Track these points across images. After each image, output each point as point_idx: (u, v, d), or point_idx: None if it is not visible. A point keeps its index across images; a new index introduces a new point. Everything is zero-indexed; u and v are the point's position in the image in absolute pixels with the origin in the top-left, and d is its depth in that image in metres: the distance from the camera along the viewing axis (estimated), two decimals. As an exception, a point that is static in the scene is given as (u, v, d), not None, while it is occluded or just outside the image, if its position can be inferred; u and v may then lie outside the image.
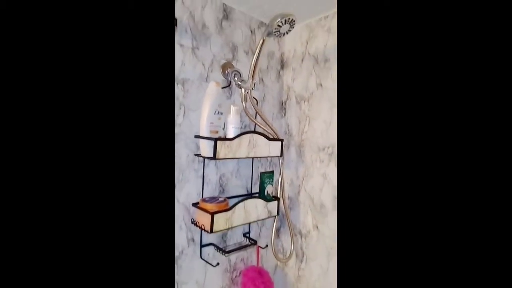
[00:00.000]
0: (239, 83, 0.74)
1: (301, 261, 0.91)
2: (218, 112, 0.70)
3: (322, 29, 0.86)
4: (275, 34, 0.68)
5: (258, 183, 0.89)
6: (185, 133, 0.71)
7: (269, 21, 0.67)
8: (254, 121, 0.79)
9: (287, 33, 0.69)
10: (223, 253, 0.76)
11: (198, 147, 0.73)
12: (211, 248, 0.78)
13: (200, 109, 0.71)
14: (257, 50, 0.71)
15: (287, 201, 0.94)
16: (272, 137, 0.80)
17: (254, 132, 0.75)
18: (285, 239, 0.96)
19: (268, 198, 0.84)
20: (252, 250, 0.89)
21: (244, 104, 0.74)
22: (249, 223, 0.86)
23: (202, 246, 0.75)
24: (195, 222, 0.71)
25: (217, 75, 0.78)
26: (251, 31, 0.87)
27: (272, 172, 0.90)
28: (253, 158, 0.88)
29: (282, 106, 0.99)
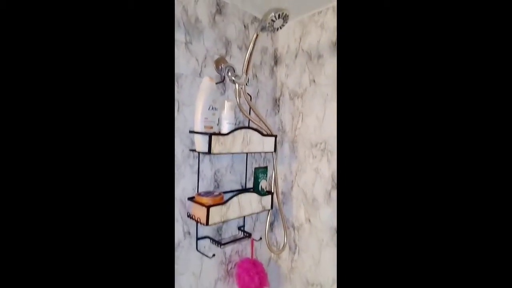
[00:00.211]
0: (233, 78, 0.74)
1: (294, 253, 0.94)
2: (212, 108, 0.71)
3: (315, 24, 0.86)
4: (268, 29, 0.69)
5: (252, 178, 0.91)
6: (179, 129, 0.71)
7: (263, 15, 0.67)
8: (248, 117, 0.80)
9: (280, 28, 0.69)
10: (219, 246, 0.77)
11: (193, 143, 0.73)
12: (207, 241, 0.79)
13: (194, 104, 0.72)
14: (251, 45, 0.72)
15: (280, 196, 0.96)
16: (266, 133, 0.81)
17: (248, 127, 0.76)
18: (279, 232, 0.99)
19: (262, 193, 0.85)
20: (246, 243, 0.92)
21: (238, 100, 0.75)
22: (244, 217, 0.88)
23: (198, 239, 0.76)
24: (191, 216, 0.73)
25: (211, 70, 0.78)
26: (244, 26, 0.87)
27: (266, 167, 0.91)
28: (247, 153, 0.89)
29: (276, 103, 1.00)
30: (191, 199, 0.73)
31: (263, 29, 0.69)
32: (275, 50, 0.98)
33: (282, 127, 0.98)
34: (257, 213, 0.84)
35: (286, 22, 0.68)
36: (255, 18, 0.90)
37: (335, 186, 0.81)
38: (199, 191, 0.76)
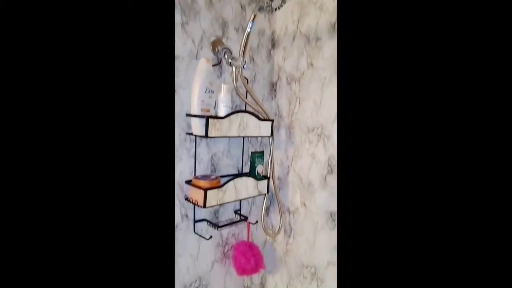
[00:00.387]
0: (230, 60, 0.73)
1: (289, 236, 0.96)
2: (209, 91, 0.70)
3: (314, 6, 0.84)
4: (266, 9, 0.67)
5: (249, 163, 0.91)
6: (176, 112, 0.70)
7: (261, -5, 0.65)
8: (245, 100, 0.79)
9: (279, 8, 0.67)
10: (216, 228, 0.79)
11: (189, 126, 0.73)
12: (204, 223, 0.80)
13: (190, 87, 0.70)
14: (249, 25, 0.70)
15: (276, 181, 0.97)
16: (262, 117, 0.81)
17: (245, 111, 0.76)
18: (274, 216, 1.01)
19: (258, 177, 0.86)
20: (243, 226, 0.93)
21: (234, 83, 0.74)
22: (240, 200, 0.89)
23: (195, 221, 0.77)
24: (188, 198, 0.73)
25: (207, 52, 0.77)
26: (241, 7, 0.84)
27: (262, 152, 0.91)
28: (243, 138, 0.89)
29: (273, 88, 0.98)
30: (189, 182, 0.73)
31: (260, 9, 0.67)
32: (273, 33, 0.96)
33: (279, 112, 0.97)
34: (253, 197, 0.85)
35: (285, 3, 0.67)
36: (252, -1, 0.87)
37: (331, 171, 0.82)
38: (196, 174, 0.76)
